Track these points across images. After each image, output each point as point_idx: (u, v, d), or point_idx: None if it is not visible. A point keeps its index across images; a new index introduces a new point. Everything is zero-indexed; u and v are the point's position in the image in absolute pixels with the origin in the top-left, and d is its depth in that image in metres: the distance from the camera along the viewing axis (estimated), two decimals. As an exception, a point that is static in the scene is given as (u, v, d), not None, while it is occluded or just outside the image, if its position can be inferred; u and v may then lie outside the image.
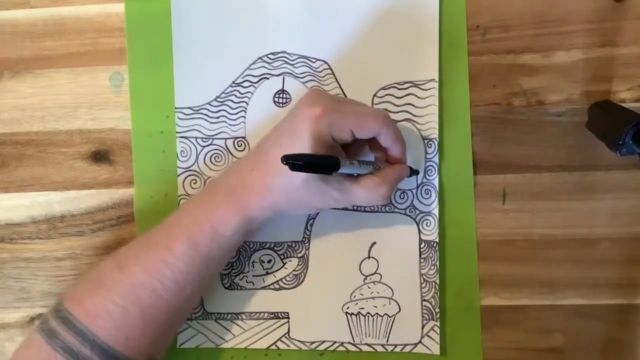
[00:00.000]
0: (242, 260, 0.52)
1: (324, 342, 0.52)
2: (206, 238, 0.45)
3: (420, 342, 0.51)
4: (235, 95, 0.52)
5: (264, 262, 0.52)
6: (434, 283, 0.51)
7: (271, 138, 0.46)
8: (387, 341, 0.51)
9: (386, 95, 0.51)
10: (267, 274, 0.52)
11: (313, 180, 0.44)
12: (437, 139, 0.50)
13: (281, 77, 0.52)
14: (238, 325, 0.52)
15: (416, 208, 0.51)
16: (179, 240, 0.45)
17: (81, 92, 0.54)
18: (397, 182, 0.47)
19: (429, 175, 0.51)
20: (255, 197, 0.45)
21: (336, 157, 0.42)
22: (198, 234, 0.45)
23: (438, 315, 0.51)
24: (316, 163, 0.41)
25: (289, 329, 0.52)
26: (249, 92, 0.52)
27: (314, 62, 0.52)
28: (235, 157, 0.52)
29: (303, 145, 0.43)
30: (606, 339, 0.50)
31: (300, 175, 0.43)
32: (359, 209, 0.51)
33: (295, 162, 0.39)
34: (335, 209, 0.51)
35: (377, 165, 0.47)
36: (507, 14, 0.50)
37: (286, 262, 0.52)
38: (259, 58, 0.52)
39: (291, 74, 0.52)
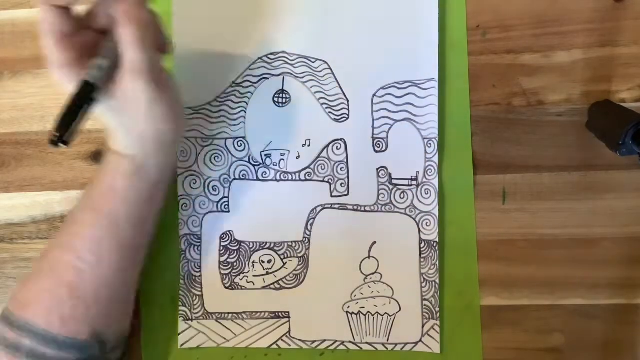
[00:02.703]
0: (242, 260, 0.52)
1: (324, 341, 0.52)
2: (105, 197, 0.45)
3: (420, 341, 0.51)
4: (235, 96, 0.52)
5: (264, 262, 0.52)
6: (434, 282, 0.51)
7: None
8: (388, 340, 0.51)
9: (386, 94, 0.51)
10: (268, 274, 0.52)
11: (147, 90, 0.41)
12: (437, 139, 0.50)
13: (281, 77, 0.52)
14: (239, 324, 0.52)
15: (416, 208, 0.51)
16: (83, 211, 0.46)
17: (81, 92, 0.54)
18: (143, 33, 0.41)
19: (429, 175, 0.51)
20: (119, 133, 0.44)
21: (84, 80, 0.39)
22: (96, 199, 0.45)
23: (438, 314, 0.51)
24: (73, 107, 0.39)
25: (289, 329, 0.52)
26: (249, 92, 0.52)
27: (313, 62, 0.52)
28: (235, 157, 0.52)
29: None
30: (606, 339, 0.50)
31: (143, 90, 0.41)
32: (358, 208, 0.51)
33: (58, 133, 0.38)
34: (334, 209, 0.51)
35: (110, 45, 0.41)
36: (507, 14, 0.50)
37: (286, 262, 0.52)
38: (259, 58, 0.52)
39: (291, 74, 0.52)
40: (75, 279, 0.44)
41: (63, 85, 0.40)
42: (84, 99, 0.39)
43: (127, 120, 0.42)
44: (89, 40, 0.41)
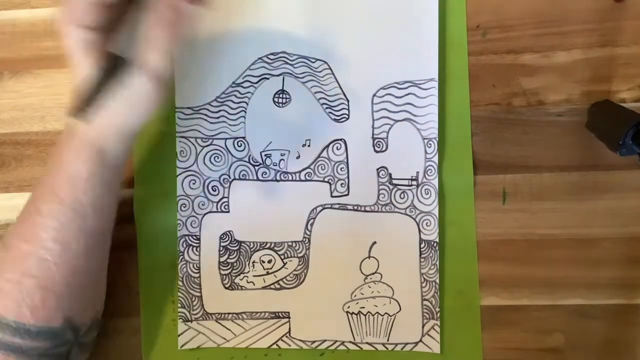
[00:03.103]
0: (242, 260, 0.52)
1: (324, 341, 0.52)
2: (67, 186, 0.44)
3: (420, 341, 0.51)
4: (235, 96, 0.52)
5: (264, 262, 0.52)
6: (434, 282, 0.51)
7: None
8: (388, 340, 0.51)
9: (386, 95, 0.51)
10: (268, 274, 0.52)
11: (155, 94, 0.42)
12: (437, 139, 0.50)
13: (281, 77, 0.52)
14: (239, 325, 0.52)
15: (416, 208, 0.51)
16: (44, 200, 0.45)
17: (81, 92, 0.54)
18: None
19: (429, 175, 0.51)
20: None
21: (116, 56, 0.40)
22: (57, 187, 0.44)
23: (438, 314, 0.51)
24: (103, 80, 0.39)
25: (289, 329, 0.52)
26: (249, 92, 0.52)
27: (313, 62, 0.52)
28: (235, 157, 0.52)
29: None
30: (606, 339, 0.50)
31: (153, 92, 0.42)
32: (359, 208, 0.51)
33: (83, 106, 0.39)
34: (334, 209, 0.51)
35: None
36: (507, 14, 0.50)
37: (286, 262, 0.52)
38: (259, 58, 0.52)
39: (291, 74, 0.52)
40: (41, 269, 0.44)
41: (63, 37, 0.41)
42: (113, 73, 0.39)
43: (116, 107, 0.43)
44: (114, 13, 0.42)
